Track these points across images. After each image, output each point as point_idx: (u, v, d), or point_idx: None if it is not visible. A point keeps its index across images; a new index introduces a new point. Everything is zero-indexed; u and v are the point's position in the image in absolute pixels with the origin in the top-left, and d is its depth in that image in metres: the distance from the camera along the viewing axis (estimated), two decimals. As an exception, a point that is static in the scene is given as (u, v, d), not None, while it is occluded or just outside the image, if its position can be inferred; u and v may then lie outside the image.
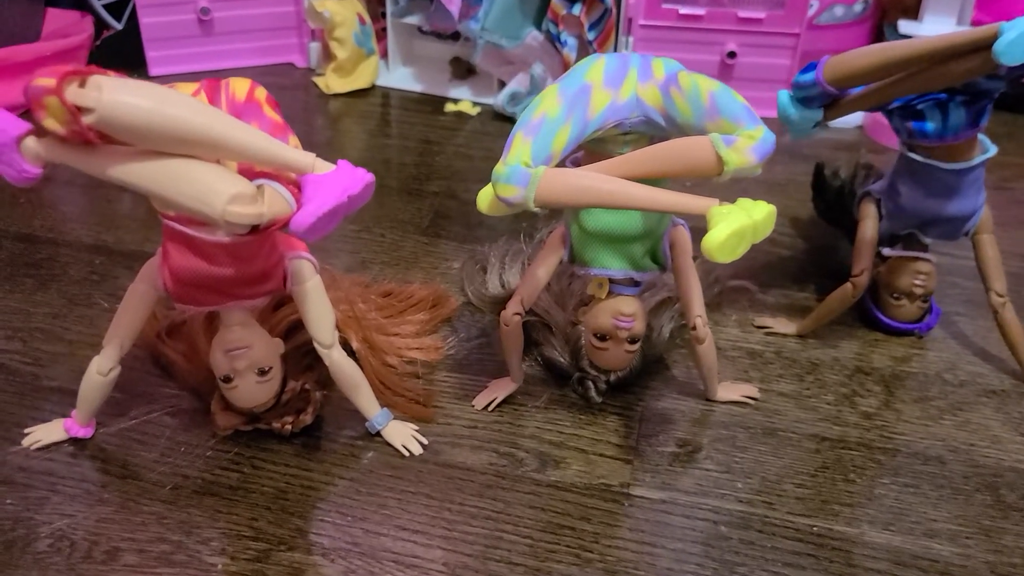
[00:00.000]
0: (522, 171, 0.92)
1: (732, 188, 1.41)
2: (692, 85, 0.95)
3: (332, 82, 2.05)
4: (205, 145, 0.81)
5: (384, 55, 2.15)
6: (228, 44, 2.12)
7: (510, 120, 1.95)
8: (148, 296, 1.04)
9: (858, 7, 2.04)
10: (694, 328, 1.13)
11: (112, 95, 0.77)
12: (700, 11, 1.92)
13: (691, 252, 1.12)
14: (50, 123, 0.79)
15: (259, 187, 0.86)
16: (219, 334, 1.06)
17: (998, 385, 1.26)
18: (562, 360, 1.23)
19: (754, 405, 1.21)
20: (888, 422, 1.19)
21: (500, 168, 0.93)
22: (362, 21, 2.03)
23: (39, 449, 1.09)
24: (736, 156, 0.88)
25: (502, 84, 2.02)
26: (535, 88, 1.92)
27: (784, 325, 1.35)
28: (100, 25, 2.07)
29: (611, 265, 1.09)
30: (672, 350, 1.30)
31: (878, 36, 2.08)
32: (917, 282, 1.28)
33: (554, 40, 1.88)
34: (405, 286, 1.39)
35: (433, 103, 2.05)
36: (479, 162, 1.80)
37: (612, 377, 1.19)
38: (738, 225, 0.85)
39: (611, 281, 1.11)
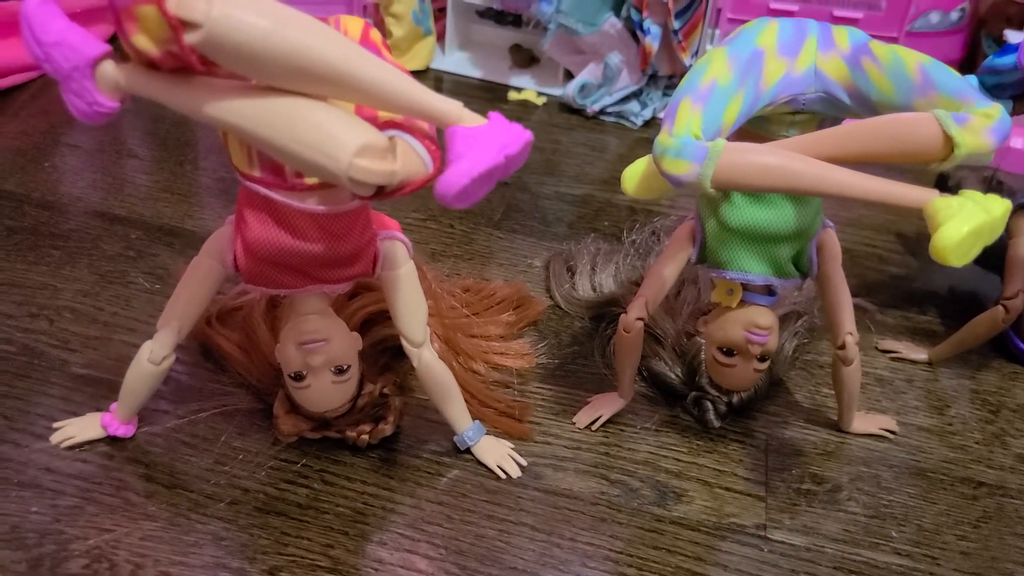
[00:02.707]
0: (696, 144, 0.76)
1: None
2: (892, 56, 0.79)
3: (385, 61, 1.89)
4: (333, 81, 0.65)
5: (440, 37, 1.99)
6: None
7: (579, 113, 1.80)
8: (214, 273, 0.88)
9: (955, 15, 1.89)
10: (843, 347, 0.97)
11: (225, 8, 0.60)
12: (793, 7, 1.77)
13: (840, 258, 0.96)
14: (141, 41, 0.62)
15: (391, 139, 0.69)
16: (292, 323, 0.89)
17: None
18: (672, 376, 1.07)
19: (894, 440, 1.06)
20: (1048, 468, 1.04)
21: (666, 139, 0.77)
22: (422, -2, 1.87)
23: (70, 448, 0.92)
24: (971, 137, 0.72)
25: (568, 75, 1.87)
26: (609, 80, 1.77)
27: (913, 350, 1.20)
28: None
29: (752, 268, 0.93)
30: (793, 372, 1.14)
31: (974, 46, 1.94)
32: (1073, 310, 1.13)
33: (635, 27, 1.72)
34: (485, 283, 1.22)
35: (493, 91, 1.89)
36: (549, 154, 1.64)
37: (735, 398, 1.03)
38: (977, 222, 0.70)
39: (744, 288, 0.95)
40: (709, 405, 1.03)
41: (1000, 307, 1.11)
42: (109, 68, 0.67)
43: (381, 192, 0.68)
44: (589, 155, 1.64)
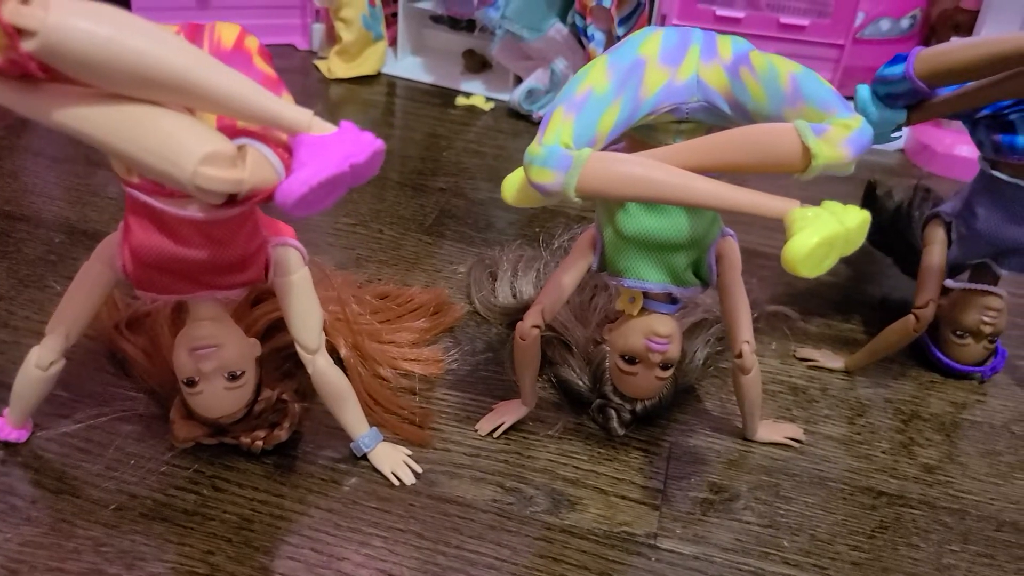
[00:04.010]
0: (563, 153, 0.76)
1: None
2: (768, 66, 0.79)
3: (335, 66, 1.90)
4: (177, 89, 0.65)
5: (393, 42, 1.99)
6: (223, 20, 1.95)
7: (526, 119, 1.80)
8: (103, 278, 0.88)
9: (905, 23, 1.90)
10: (740, 356, 0.97)
11: (60, 17, 0.60)
12: (739, 14, 1.77)
13: (740, 267, 0.96)
14: (-19, 48, 0.62)
15: (240, 147, 0.69)
16: (185, 329, 0.89)
17: (1073, 442, 1.11)
18: (580, 384, 1.07)
19: (799, 448, 1.05)
20: (952, 478, 1.03)
21: (535, 148, 0.77)
22: (372, 3, 1.88)
23: (-38, 452, 0.92)
24: (828, 148, 0.72)
25: (518, 80, 1.87)
26: (555, 86, 1.77)
27: (830, 359, 1.20)
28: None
29: (648, 277, 0.93)
30: (705, 379, 1.14)
31: (924, 55, 1.94)
32: (986, 319, 1.13)
33: (580, 34, 1.72)
34: (404, 289, 1.22)
35: (443, 96, 1.90)
36: (491, 160, 1.64)
37: (638, 407, 1.03)
38: (829, 232, 0.70)
39: (645, 296, 0.95)
40: (613, 413, 1.03)
41: (911, 316, 1.11)
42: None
43: (233, 200, 0.68)
44: (530, 161, 1.64)
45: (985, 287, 1.13)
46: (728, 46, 0.85)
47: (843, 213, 0.72)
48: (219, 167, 0.66)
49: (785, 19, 1.76)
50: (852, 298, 1.35)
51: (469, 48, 2.00)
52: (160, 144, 0.65)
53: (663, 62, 0.84)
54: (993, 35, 0.90)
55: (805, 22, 1.77)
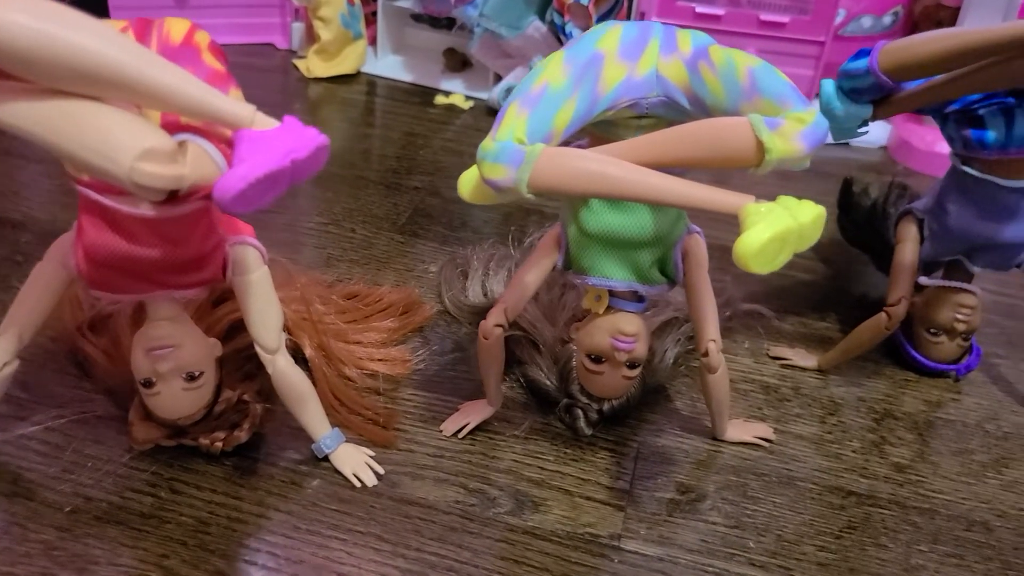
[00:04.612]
0: (515, 149, 0.75)
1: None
2: (726, 60, 0.78)
3: (314, 65, 1.88)
4: (115, 84, 0.64)
5: (373, 41, 1.98)
6: (202, 19, 1.89)
7: (505, 117, 1.78)
8: (57, 278, 0.87)
9: (887, 19, 1.88)
10: (706, 354, 0.96)
11: (-5, 11, 0.59)
12: (719, 11, 1.76)
13: (707, 265, 0.95)
14: (-87, 43, 0.61)
15: (181, 143, 0.68)
16: (142, 329, 0.88)
17: (1048, 440, 1.10)
18: (548, 383, 1.05)
19: (768, 448, 1.04)
20: (924, 477, 1.02)
21: (488, 144, 0.76)
22: (351, 1, 1.86)
23: (-84, 455, 0.91)
24: (781, 142, 0.71)
25: (498, 78, 1.86)
26: (534, 84, 1.76)
27: (803, 357, 1.18)
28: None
29: (613, 275, 0.92)
30: (676, 379, 1.12)
31: (907, 52, 1.93)
32: (960, 316, 1.11)
33: (558, 31, 1.71)
34: (374, 288, 1.21)
35: (423, 94, 1.88)
36: (468, 159, 1.61)
37: (605, 406, 1.02)
38: (781, 227, 0.68)
39: (611, 294, 0.94)
40: (580, 413, 1.02)
41: (883, 313, 1.10)
42: None
43: (175, 197, 0.67)
44: (508, 159, 1.63)
45: (959, 284, 1.12)
46: (688, 40, 0.84)
47: (797, 208, 0.70)
48: (157, 163, 0.65)
49: (765, 16, 1.75)
50: (829, 296, 1.34)
51: (450, 47, 1.98)
52: (98, 140, 0.64)
53: (622, 57, 0.83)
54: (957, 28, 0.88)
55: (785, 19, 1.75)
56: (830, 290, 1.35)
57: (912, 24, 1.93)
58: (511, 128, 0.76)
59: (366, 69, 1.95)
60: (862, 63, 0.91)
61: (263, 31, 2.01)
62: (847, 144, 1.83)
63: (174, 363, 0.87)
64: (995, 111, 0.98)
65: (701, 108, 0.81)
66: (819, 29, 1.76)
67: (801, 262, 1.42)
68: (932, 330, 1.14)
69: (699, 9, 1.76)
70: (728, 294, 1.25)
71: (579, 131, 0.84)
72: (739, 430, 1.05)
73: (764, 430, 1.06)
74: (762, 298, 1.29)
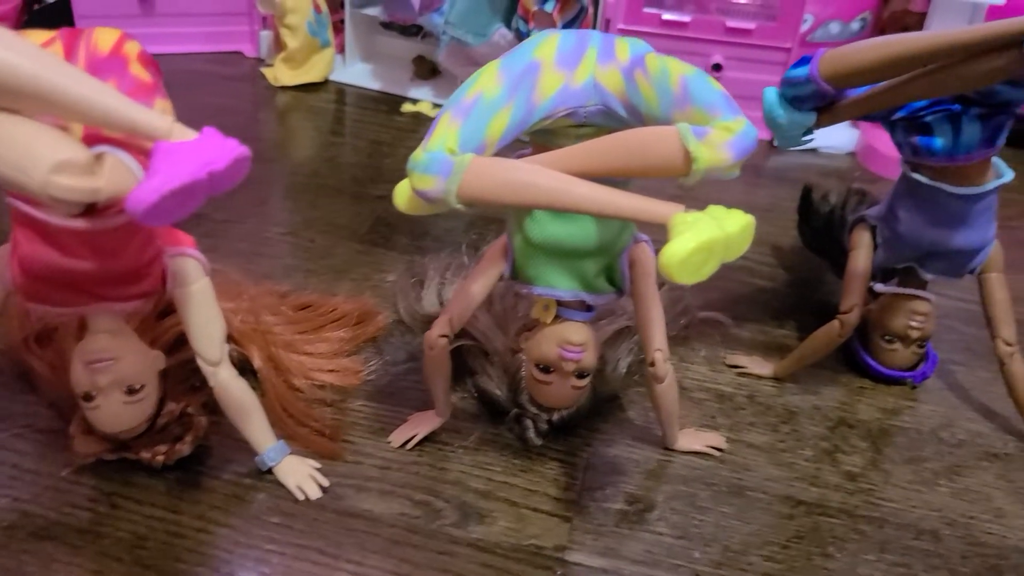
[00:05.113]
0: (445, 159, 0.74)
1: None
2: (661, 68, 0.78)
3: (281, 74, 1.88)
4: (29, 96, 0.63)
5: (341, 49, 1.97)
6: (170, 27, 1.94)
7: (472, 124, 1.78)
8: None
9: (855, 25, 1.88)
10: (652, 364, 0.95)
11: (-102, 22, 0.58)
12: (685, 18, 1.76)
13: (654, 274, 0.94)
14: None
15: (99, 156, 0.68)
16: (81, 343, 0.88)
17: (1001, 447, 1.09)
18: (499, 393, 1.05)
19: (720, 457, 1.04)
20: (875, 485, 1.02)
21: (418, 155, 0.76)
22: (317, 9, 1.86)
23: None
24: (708, 151, 0.70)
25: (467, 86, 1.85)
26: (501, 91, 1.75)
27: (759, 365, 1.18)
28: (30, -2, 1.89)
29: (558, 284, 0.92)
30: (629, 388, 1.12)
31: (875, 58, 1.93)
32: (913, 324, 1.11)
33: (523, 39, 1.70)
34: (327, 298, 1.20)
35: (391, 102, 1.88)
36: (433, 167, 1.62)
37: (555, 416, 1.01)
38: (706, 237, 0.68)
39: (559, 304, 0.93)
40: (529, 423, 1.01)
41: (836, 321, 1.10)
42: None
43: (93, 210, 0.67)
44: (473, 167, 1.63)
45: (913, 291, 1.11)
46: (626, 49, 0.84)
47: (725, 218, 0.70)
48: (72, 176, 0.64)
49: (732, 23, 1.75)
50: (788, 303, 1.33)
51: (419, 54, 1.98)
52: (12, 153, 0.63)
53: (559, 65, 0.83)
54: (897, 35, 0.88)
55: (752, 26, 1.75)
56: (790, 297, 1.35)
57: (880, 30, 1.94)
58: (442, 138, 0.76)
59: (335, 77, 1.95)
60: (803, 71, 0.90)
61: (231, 39, 2.00)
62: (815, 150, 1.83)
63: (113, 376, 0.86)
64: (942, 118, 0.97)
65: (637, 117, 0.80)
66: (786, 35, 1.76)
67: (762, 269, 1.41)
68: (887, 337, 1.14)
69: (666, 16, 1.76)
70: (686, 302, 1.25)
71: (522, 140, 0.83)
72: (690, 439, 1.04)
73: (716, 439, 1.05)
74: (721, 306, 1.29)
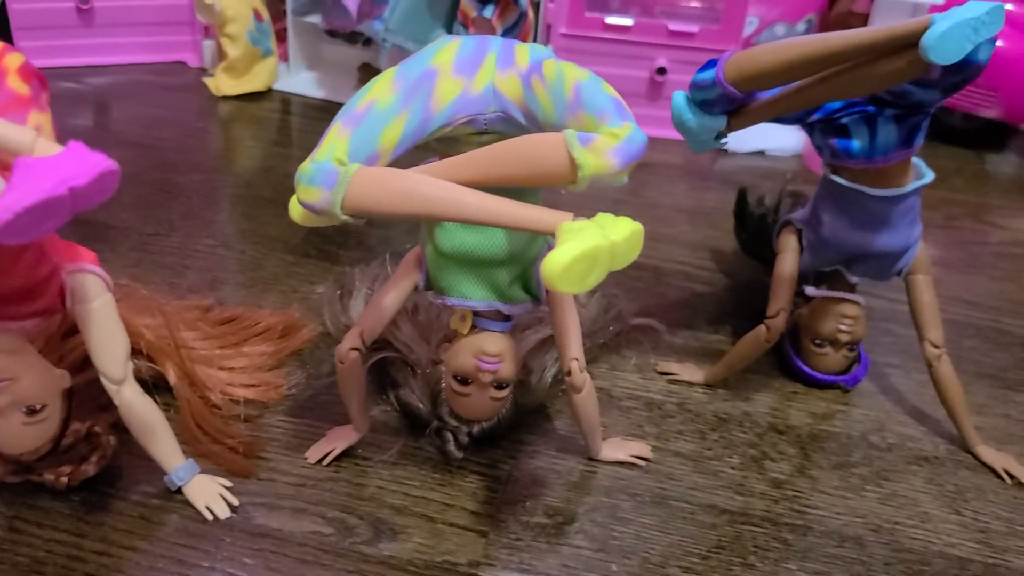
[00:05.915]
0: (330, 169, 0.73)
1: (642, 210, 1.21)
2: (556, 74, 0.76)
3: (222, 83, 1.85)
4: None
5: (285, 57, 1.95)
6: (111, 37, 1.92)
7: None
8: None
9: (801, 27, 1.88)
10: (569, 373, 0.93)
11: None
12: (628, 22, 1.75)
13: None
14: None
15: (-44, 173, 0.65)
16: (-23, 363, 0.85)
17: (931, 451, 1.08)
18: (420, 406, 1.03)
19: (645, 467, 1.02)
20: (801, 492, 1.00)
21: (304, 166, 0.74)
22: (258, 18, 1.84)
23: None
24: (592, 158, 0.69)
25: (411, 93, 1.83)
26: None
27: (691, 372, 1.16)
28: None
29: (471, 294, 0.90)
30: (555, 398, 1.10)
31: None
32: (843, 327, 1.10)
33: (464, 45, 1.69)
34: (252, 311, 1.18)
35: (336, 111, 1.85)
36: (373, 176, 1.60)
37: (475, 428, 0.99)
38: (588, 246, 0.66)
39: (476, 314, 0.91)
40: (450, 436, 0.99)
41: (763, 326, 1.09)
42: None
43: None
44: (413, 175, 1.61)
45: (841, 294, 1.10)
46: (526, 55, 0.82)
47: (611, 226, 0.68)
48: (-75, 194, 0.62)
49: (674, 26, 1.74)
50: (725, 308, 1.32)
51: (365, 62, 1.96)
52: None
53: (457, 72, 0.81)
54: (801, 38, 0.87)
55: (695, 28, 1.75)
56: (727, 302, 1.34)
57: (825, 31, 1.94)
58: (331, 148, 0.74)
59: (279, 86, 1.93)
60: (708, 74, 0.89)
61: (173, 49, 1.98)
62: (762, 153, 1.83)
63: (11, 396, 0.83)
64: (858, 120, 0.97)
65: (534, 123, 0.79)
66: (729, 38, 1.75)
67: (701, 274, 1.40)
68: (817, 341, 1.13)
69: (608, 20, 1.75)
70: (618, 308, 1.24)
71: (424, 148, 0.81)
72: (615, 449, 1.03)
73: (641, 448, 1.04)
74: (656, 311, 1.28)
